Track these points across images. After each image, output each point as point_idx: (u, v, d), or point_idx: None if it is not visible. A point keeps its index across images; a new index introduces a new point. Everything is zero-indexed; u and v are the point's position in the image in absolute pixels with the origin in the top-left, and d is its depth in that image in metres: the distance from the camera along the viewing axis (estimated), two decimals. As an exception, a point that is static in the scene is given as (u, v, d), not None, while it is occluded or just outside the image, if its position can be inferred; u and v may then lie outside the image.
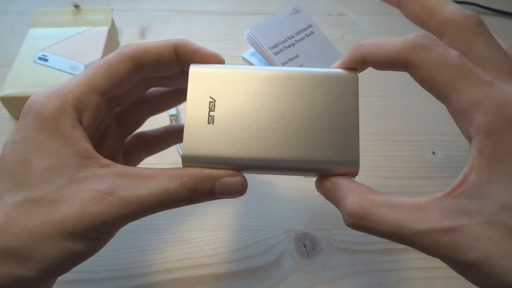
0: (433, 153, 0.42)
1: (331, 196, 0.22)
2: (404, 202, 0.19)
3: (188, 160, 0.22)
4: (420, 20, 0.24)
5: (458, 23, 0.21)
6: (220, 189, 0.22)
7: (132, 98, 0.27)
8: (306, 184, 0.37)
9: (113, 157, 0.27)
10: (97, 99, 0.23)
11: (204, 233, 0.35)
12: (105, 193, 0.20)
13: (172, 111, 0.45)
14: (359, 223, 0.20)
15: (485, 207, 0.17)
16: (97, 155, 0.22)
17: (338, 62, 0.24)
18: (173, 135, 0.31)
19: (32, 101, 0.22)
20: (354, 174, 0.22)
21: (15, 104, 0.42)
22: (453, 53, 0.20)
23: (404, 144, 0.43)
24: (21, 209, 0.20)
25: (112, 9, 0.50)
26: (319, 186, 0.23)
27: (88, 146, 0.21)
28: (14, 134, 0.22)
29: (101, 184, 0.20)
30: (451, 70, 0.19)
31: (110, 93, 0.23)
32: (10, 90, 0.41)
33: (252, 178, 0.39)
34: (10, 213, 0.20)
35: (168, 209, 0.22)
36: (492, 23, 0.57)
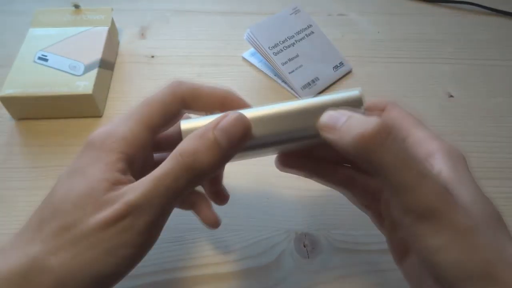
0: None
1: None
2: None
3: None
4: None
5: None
6: (222, 137, 0.22)
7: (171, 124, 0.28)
8: (307, 184, 0.37)
9: (146, 170, 0.27)
10: (149, 136, 0.24)
11: (204, 233, 0.35)
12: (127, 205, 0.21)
13: None
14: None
15: (463, 193, 0.21)
16: (122, 183, 0.22)
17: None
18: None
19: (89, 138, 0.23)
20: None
21: (15, 104, 0.42)
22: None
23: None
24: (55, 238, 0.20)
25: (112, 9, 0.50)
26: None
27: (117, 176, 0.22)
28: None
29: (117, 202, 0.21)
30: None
31: (160, 130, 0.25)
32: (10, 90, 0.41)
33: (252, 178, 0.39)
34: (44, 246, 0.20)
35: (180, 191, 0.22)
36: (492, 23, 0.57)
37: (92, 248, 0.20)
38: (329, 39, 0.51)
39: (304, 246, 0.35)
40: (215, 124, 0.22)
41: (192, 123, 0.24)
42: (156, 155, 0.29)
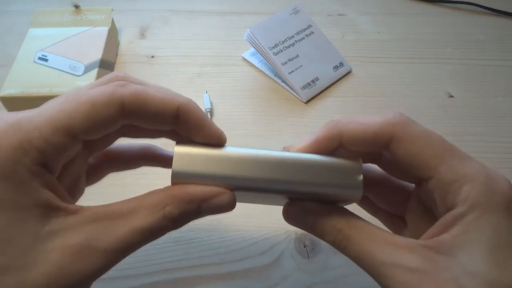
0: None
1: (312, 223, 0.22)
2: (382, 235, 0.21)
3: (178, 178, 0.21)
4: (363, 142, 0.22)
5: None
6: (207, 209, 0.21)
7: (111, 140, 0.24)
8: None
9: (77, 180, 0.24)
10: (69, 141, 0.19)
11: (204, 233, 0.35)
12: (81, 247, 0.18)
13: (207, 105, 0.44)
14: (341, 242, 0.21)
15: (453, 266, 0.18)
16: (61, 203, 0.18)
17: (307, 142, 0.23)
18: (148, 159, 0.26)
19: None
20: (355, 200, 0.22)
21: (14, 104, 0.42)
22: (431, 130, 0.21)
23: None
24: None
25: (112, 9, 0.50)
26: (298, 213, 0.23)
27: (49, 195, 0.18)
28: None
29: (74, 236, 0.18)
30: (436, 144, 0.20)
31: (86, 137, 0.19)
32: (10, 90, 0.41)
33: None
34: None
35: (154, 240, 0.20)
36: (492, 23, 0.57)
37: None
38: (329, 39, 0.51)
39: (304, 246, 0.35)
40: (206, 197, 0.20)
41: (188, 148, 0.21)
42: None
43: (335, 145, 0.22)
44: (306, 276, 0.33)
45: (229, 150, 0.22)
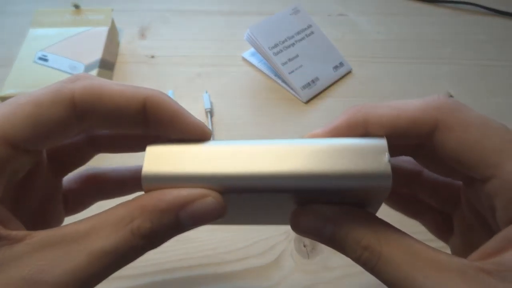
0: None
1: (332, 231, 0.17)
2: (425, 253, 0.16)
3: (150, 182, 0.17)
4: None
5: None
6: (188, 219, 0.16)
7: (82, 156, 0.21)
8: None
9: (47, 203, 0.20)
10: (9, 153, 0.15)
11: (204, 233, 0.35)
12: (29, 282, 0.14)
13: (207, 105, 0.44)
14: (369, 258, 0.16)
15: None
16: (2, 230, 0.15)
17: (324, 129, 0.18)
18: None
19: None
20: (383, 192, 0.16)
21: (15, 104, 0.42)
22: (489, 117, 0.16)
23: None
24: None
25: (112, 9, 0.50)
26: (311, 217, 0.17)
27: None
28: None
29: (20, 269, 0.14)
30: (499, 135, 0.16)
31: (32, 146, 0.16)
32: (10, 90, 0.41)
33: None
34: None
35: (128, 263, 0.17)
36: (492, 23, 0.57)
37: None
38: (329, 39, 0.51)
39: (304, 246, 0.35)
40: (183, 202, 0.16)
41: (160, 147, 0.17)
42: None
43: (358, 133, 0.17)
44: (306, 276, 0.33)
45: (215, 143, 0.17)
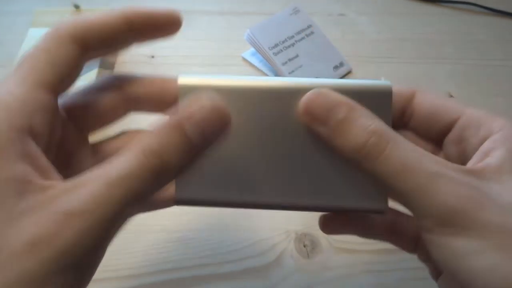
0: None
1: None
2: (424, 151, 0.18)
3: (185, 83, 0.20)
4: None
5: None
6: (194, 129, 0.17)
7: (108, 121, 0.21)
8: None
9: (70, 158, 0.21)
10: (47, 97, 0.17)
11: (204, 233, 0.35)
12: (57, 216, 0.15)
13: None
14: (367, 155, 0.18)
15: (503, 193, 0.17)
16: (37, 178, 0.16)
17: None
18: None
19: None
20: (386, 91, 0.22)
21: (15, 104, 0.42)
22: None
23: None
24: None
25: (112, 9, 0.50)
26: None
27: (26, 169, 0.16)
28: None
29: (46, 212, 0.15)
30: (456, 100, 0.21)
31: (60, 86, 0.18)
32: (10, 90, 0.41)
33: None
34: None
35: (154, 190, 0.17)
36: (492, 23, 0.57)
37: (17, 280, 0.14)
38: (329, 39, 0.51)
39: (304, 246, 0.35)
40: (188, 114, 0.17)
41: (192, 78, 0.20)
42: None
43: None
44: (306, 276, 0.33)
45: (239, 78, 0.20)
